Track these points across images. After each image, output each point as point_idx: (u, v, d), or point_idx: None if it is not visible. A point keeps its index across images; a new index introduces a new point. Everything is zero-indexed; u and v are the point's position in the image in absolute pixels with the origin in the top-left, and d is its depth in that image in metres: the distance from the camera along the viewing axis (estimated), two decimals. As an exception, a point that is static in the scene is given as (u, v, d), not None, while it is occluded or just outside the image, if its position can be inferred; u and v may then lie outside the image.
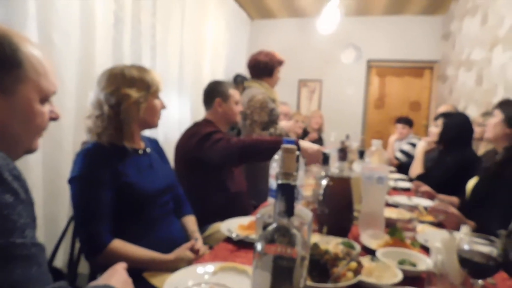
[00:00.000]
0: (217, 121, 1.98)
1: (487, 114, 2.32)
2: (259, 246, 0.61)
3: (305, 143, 1.65)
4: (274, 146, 1.54)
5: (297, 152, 0.64)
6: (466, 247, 0.84)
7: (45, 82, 0.73)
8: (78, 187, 1.19)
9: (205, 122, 1.98)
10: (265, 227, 0.63)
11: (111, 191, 1.20)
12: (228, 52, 4.41)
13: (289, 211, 0.57)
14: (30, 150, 0.75)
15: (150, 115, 1.36)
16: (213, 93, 1.99)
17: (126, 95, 1.26)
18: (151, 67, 2.73)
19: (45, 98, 0.74)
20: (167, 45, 2.96)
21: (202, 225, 1.63)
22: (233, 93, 2.00)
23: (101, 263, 1.15)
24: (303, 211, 0.66)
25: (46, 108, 0.75)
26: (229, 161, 1.81)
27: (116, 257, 1.12)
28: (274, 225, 0.59)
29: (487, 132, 1.79)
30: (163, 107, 1.42)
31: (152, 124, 1.40)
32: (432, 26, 4.96)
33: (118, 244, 1.18)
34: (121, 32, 2.41)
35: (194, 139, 1.81)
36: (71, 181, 1.20)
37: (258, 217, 0.66)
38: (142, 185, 1.28)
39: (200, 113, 3.54)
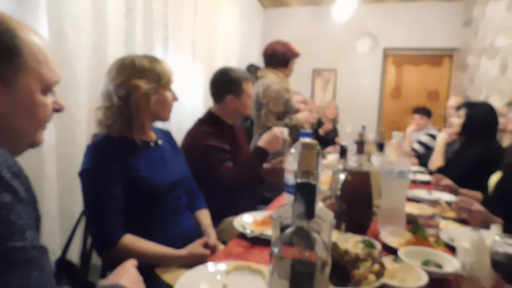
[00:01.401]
0: (225, 117, 1.86)
1: (511, 104, 2.20)
2: (276, 250, 0.56)
3: (261, 139, 1.72)
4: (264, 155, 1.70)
5: (318, 148, 0.58)
6: (499, 248, 0.78)
7: (47, 71, 0.69)
8: (88, 181, 1.16)
9: (209, 118, 1.87)
10: (282, 229, 0.58)
11: (122, 185, 1.17)
12: (241, 41, 4.33)
13: (309, 213, 0.52)
14: (34, 143, 0.72)
15: (161, 107, 1.31)
16: (225, 87, 1.82)
17: (136, 86, 1.22)
18: (163, 58, 2.70)
19: (47, 88, 0.70)
20: (180, 35, 2.91)
21: (214, 219, 1.59)
22: (246, 87, 1.84)
23: (112, 258, 1.13)
24: (323, 211, 0.61)
25: (48, 99, 0.71)
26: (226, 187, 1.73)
27: (128, 252, 1.10)
28: (292, 228, 0.54)
29: (509, 123, 1.69)
30: (175, 99, 1.37)
31: (163, 117, 1.36)
32: (452, 12, 4.76)
33: (130, 239, 1.15)
34: (132, 22, 2.37)
35: (194, 144, 1.75)
36: (81, 174, 1.17)
37: (274, 217, 0.61)
38: (154, 179, 1.24)
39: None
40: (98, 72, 1.97)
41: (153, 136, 1.37)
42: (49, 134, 1.68)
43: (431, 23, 4.84)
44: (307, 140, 0.54)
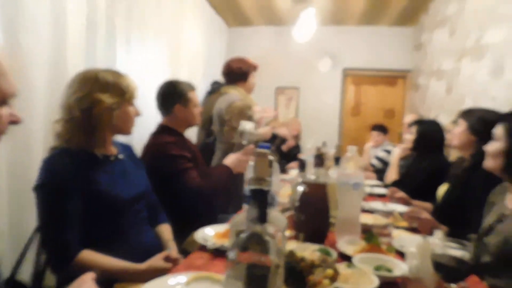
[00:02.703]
0: (176, 126, 1.91)
1: (455, 122, 2.40)
2: (231, 254, 0.59)
3: (228, 158, 1.80)
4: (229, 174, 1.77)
5: (271, 157, 0.62)
6: (439, 251, 0.85)
7: (3, 84, 0.68)
8: (43, 195, 1.13)
9: (165, 131, 1.89)
10: (238, 234, 0.61)
11: (80, 199, 1.14)
12: (206, 59, 4.38)
13: (262, 218, 0.55)
14: None
15: (123, 122, 1.31)
16: (172, 98, 1.88)
17: (99, 100, 1.21)
18: (126, 73, 2.68)
19: (3, 101, 0.69)
20: (143, 51, 2.91)
21: (182, 231, 1.58)
22: (192, 96, 1.92)
23: (69, 275, 1.09)
24: (278, 217, 0.65)
25: (4, 111, 0.70)
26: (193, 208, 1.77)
27: (86, 268, 1.06)
28: (247, 233, 0.57)
29: (453, 140, 1.84)
30: (138, 114, 1.38)
31: (126, 131, 1.36)
32: (404, 37, 5.12)
33: (88, 255, 1.12)
34: (94, 35, 2.34)
35: (157, 155, 1.76)
36: (36, 189, 1.14)
37: (231, 224, 0.64)
38: (114, 193, 1.23)
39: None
40: (57, 85, 1.92)
41: (113, 150, 1.36)
42: (1, 148, 1.61)
43: (387, 46, 5.17)
44: (260, 149, 0.58)
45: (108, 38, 2.49)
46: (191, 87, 1.96)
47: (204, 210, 1.79)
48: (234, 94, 2.48)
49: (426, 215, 1.53)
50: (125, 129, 1.35)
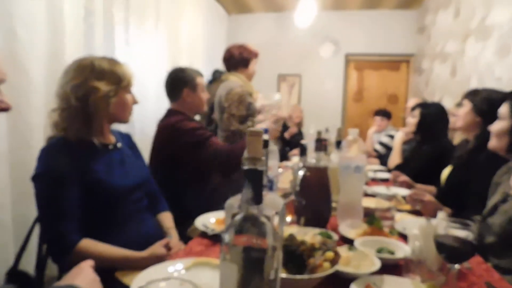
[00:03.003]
0: (185, 110, 1.92)
1: (460, 104, 2.36)
2: (227, 237, 0.57)
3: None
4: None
5: (265, 136, 0.60)
6: (442, 232, 0.83)
7: None
8: (41, 185, 1.12)
9: (175, 113, 1.90)
10: (233, 216, 0.59)
11: (78, 188, 1.13)
12: (206, 47, 4.33)
13: (257, 199, 0.54)
14: None
15: (120, 110, 1.30)
16: (180, 82, 1.89)
17: (95, 88, 1.20)
18: (125, 63, 2.66)
19: None
20: (142, 39, 2.88)
21: (184, 220, 1.58)
22: (200, 81, 1.93)
23: (70, 264, 1.09)
24: (275, 199, 0.63)
25: None
26: (225, 172, 1.81)
27: (86, 257, 1.05)
28: (242, 215, 0.56)
29: (458, 121, 1.81)
30: (135, 102, 1.36)
31: (123, 119, 1.35)
32: (407, 20, 5.02)
33: (88, 243, 1.12)
34: (92, 26, 2.32)
35: (174, 134, 1.77)
36: (34, 179, 1.13)
37: (226, 206, 0.63)
38: (113, 182, 1.22)
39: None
40: (55, 76, 1.89)
41: (112, 139, 1.35)
42: (1, 139, 1.61)
43: (389, 30, 5.08)
44: (254, 128, 0.56)
45: (106, 28, 2.46)
46: (199, 73, 1.98)
47: (235, 170, 1.78)
48: (234, 80, 2.45)
49: (429, 197, 1.51)
50: (123, 117, 1.33)
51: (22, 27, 1.72)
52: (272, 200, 0.62)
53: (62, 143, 1.18)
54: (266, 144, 0.88)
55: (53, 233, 1.10)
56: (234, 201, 0.64)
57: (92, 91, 1.20)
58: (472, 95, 1.74)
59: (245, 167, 0.53)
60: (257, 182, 0.54)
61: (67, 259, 1.09)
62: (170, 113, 1.93)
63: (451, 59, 3.52)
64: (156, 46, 3.12)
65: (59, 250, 1.10)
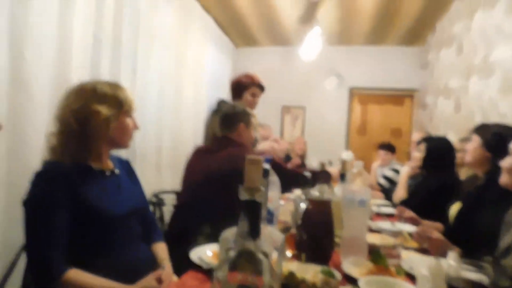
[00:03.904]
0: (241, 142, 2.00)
1: (465, 139, 2.32)
2: (220, 274, 0.53)
3: None
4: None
5: (266, 166, 0.57)
6: (454, 274, 0.77)
7: None
8: (30, 211, 1.08)
9: (231, 142, 1.95)
10: (227, 251, 0.55)
11: (69, 215, 1.09)
12: (212, 77, 4.40)
13: (254, 233, 0.49)
14: None
15: (120, 134, 1.28)
16: (238, 116, 2.00)
17: (96, 112, 1.19)
18: (130, 89, 2.67)
19: None
20: (148, 68, 2.92)
21: None
22: (254, 120, 2.06)
23: (56, 295, 1.03)
24: (274, 233, 0.59)
25: None
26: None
27: (73, 288, 1.01)
28: (237, 250, 0.51)
29: (466, 156, 1.76)
30: (136, 127, 1.34)
31: (122, 144, 1.32)
32: (411, 56, 5.10)
33: (75, 274, 1.06)
34: (99, 53, 2.35)
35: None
36: (25, 204, 1.09)
37: (221, 239, 0.58)
38: (105, 208, 1.17)
39: (182, 137, 3.50)
40: (59, 100, 1.92)
41: (110, 164, 1.32)
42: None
43: (393, 65, 5.15)
44: (252, 156, 0.53)
45: (114, 56, 2.50)
46: (254, 114, 2.12)
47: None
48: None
49: (437, 235, 1.44)
50: (122, 142, 1.31)
51: (30, 50, 1.74)
52: (270, 234, 0.57)
53: (55, 167, 1.15)
54: (266, 173, 0.84)
55: (40, 262, 1.04)
56: (229, 234, 0.59)
57: (93, 114, 1.19)
58: (481, 129, 1.71)
59: (242, 197, 0.50)
60: (254, 215, 0.49)
61: (53, 289, 1.03)
62: (227, 141, 1.95)
63: (455, 95, 3.52)
64: (162, 75, 3.15)
65: (45, 280, 1.04)
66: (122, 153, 1.49)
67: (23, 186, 1.62)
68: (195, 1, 3.83)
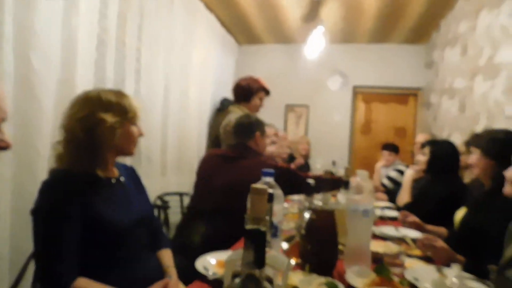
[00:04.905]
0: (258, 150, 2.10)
1: (468, 143, 2.31)
2: (226, 300, 0.54)
3: None
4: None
5: (270, 190, 0.57)
6: (457, 291, 0.78)
7: None
8: (39, 220, 1.09)
9: (253, 151, 2.06)
10: (234, 276, 0.55)
11: (78, 225, 1.10)
12: (216, 76, 4.39)
13: (259, 262, 0.50)
14: None
15: (125, 142, 1.29)
16: (254, 125, 2.11)
17: (102, 120, 1.20)
18: (135, 91, 2.69)
19: None
20: (153, 69, 2.92)
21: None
22: (268, 130, 2.21)
23: (64, 305, 1.05)
24: (277, 259, 0.59)
25: None
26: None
27: (81, 298, 1.03)
28: (242, 277, 0.52)
29: (474, 170, 1.76)
30: (141, 134, 1.36)
31: (128, 152, 1.34)
32: (415, 55, 5.07)
33: (83, 283, 1.07)
34: (103, 55, 2.36)
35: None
36: (34, 212, 1.11)
37: (227, 261, 0.59)
38: (114, 218, 1.19)
39: (187, 138, 3.50)
40: (65, 104, 1.92)
41: (115, 172, 1.33)
42: (5, 167, 1.60)
43: (397, 64, 5.12)
44: (257, 185, 0.53)
45: (118, 58, 2.51)
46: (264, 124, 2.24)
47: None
48: (237, 112, 2.47)
49: (441, 244, 1.44)
50: (127, 150, 1.32)
51: (37, 55, 1.75)
52: (275, 259, 0.58)
53: (64, 176, 1.17)
54: (270, 198, 0.85)
55: (48, 272, 1.06)
56: (235, 257, 0.60)
57: (99, 123, 1.20)
58: (476, 140, 1.72)
59: (247, 226, 0.50)
60: (259, 244, 0.50)
61: (61, 300, 1.04)
62: (250, 150, 2.04)
63: (459, 95, 3.50)
64: (166, 74, 3.16)
65: (53, 289, 1.06)
66: (127, 159, 1.51)
67: (29, 193, 1.66)
68: (199, 0, 3.82)
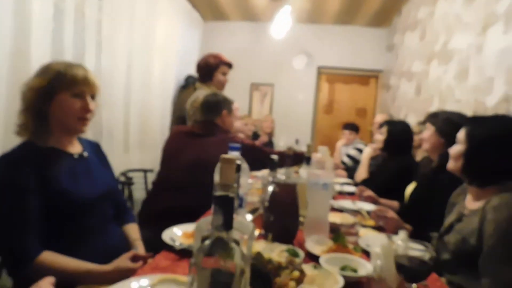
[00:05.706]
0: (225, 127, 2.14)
1: (422, 123, 2.48)
2: (195, 259, 0.58)
3: None
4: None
5: (238, 161, 0.62)
6: (401, 252, 0.88)
7: None
8: (0, 195, 1.07)
9: (219, 128, 2.10)
10: (203, 239, 0.60)
11: (39, 198, 1.09)
12: (180, 52, 4.30)
13: (227, 225, 0.55)
14: None
15: (63, 114, 1.18)
16: (221, 103, 2.14)
17: (33, 86, 1.14)
18: (95, 65, 2.59)
19: None
20: (114, 42, 2.81)
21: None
22: (235, 109, 2.22)
23: (27, 278, 1.04)
24: (243, 223, 0.64)
25: None
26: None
27: (46, 271, 1.02)
28: (212, 239, 0.57)
29: (424, 144, 1.90)
30: (87, 110, 1.21)
31: (69, 126, 1.21)
32: (377, 38, 5.23)
33: (48, 256, 1.07)
34: (61, 25, 2.24)
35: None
36: (-8, 188, 1.08)
37: (196, 228, 0.63)
38: (77, 192, 1.18)
39: (150, 115, 3.44)
40: (19, 77, 1.82)
41: (78, 147, 1.31)
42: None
43: (360, 46, 5.27)
44: (227, 155, 0.57)
45: (77, 29, 2.39)
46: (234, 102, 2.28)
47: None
48: (204, 90, 2.48)
49: (392, 214, 1.58)
50: (67, 124, 1.20)
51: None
52: (241, 224, 0.63)
53: (21, 150, 1.14)
54: (238, 168, 0.89)
55: (11, 245, 1.05)
56: (204, 224, 0.64)
57: (34, 89, 1.14)
58: (432, 118, 1.85)
59: (217, 193, 0.54)
60: (228, 209, 0.55)
61: (26, 272, 1.04)
62: (216, 127, 2.08)
63: (416, 78, 3.70)
64: (128, 48, 3.05)
65: (17, 264, 1.05)
66: (88, 131, 1.46)
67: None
68: (163, -29, 3.67)
